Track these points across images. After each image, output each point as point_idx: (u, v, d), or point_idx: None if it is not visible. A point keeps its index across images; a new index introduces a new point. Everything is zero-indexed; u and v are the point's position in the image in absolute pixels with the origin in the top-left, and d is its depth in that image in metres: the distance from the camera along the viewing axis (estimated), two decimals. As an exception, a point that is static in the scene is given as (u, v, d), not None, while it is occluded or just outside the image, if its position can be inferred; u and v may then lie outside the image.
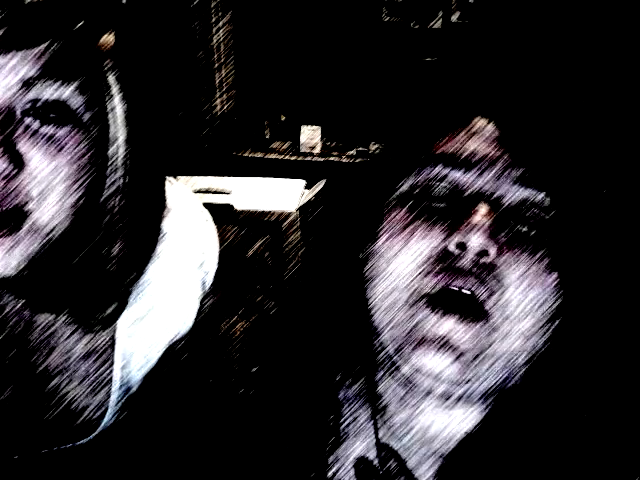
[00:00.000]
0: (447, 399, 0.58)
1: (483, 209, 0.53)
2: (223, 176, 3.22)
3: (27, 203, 0.63)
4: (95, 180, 0.68)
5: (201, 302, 0.88)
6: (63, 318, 0.78)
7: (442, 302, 0.54)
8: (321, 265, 0.67)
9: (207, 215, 0.91)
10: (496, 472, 0.56)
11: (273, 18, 4.23)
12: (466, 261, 0.53)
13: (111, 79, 0.68)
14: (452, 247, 0.53)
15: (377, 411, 0.63)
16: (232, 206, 2.79)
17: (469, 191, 0.55)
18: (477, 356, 0.54)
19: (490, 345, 0.54)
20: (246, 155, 4.20)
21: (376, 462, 0.61)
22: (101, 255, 0.72)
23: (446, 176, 0.56)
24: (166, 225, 0.81)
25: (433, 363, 0.54)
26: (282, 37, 4.24)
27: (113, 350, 0.82)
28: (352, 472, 0.61)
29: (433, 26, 4.07)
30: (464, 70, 0.61)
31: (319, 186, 3.04)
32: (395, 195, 0.59)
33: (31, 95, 0.62)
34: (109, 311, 0.77)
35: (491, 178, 0.55)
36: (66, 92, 0.63)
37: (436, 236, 0.55)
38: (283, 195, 2.94)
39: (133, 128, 0.69)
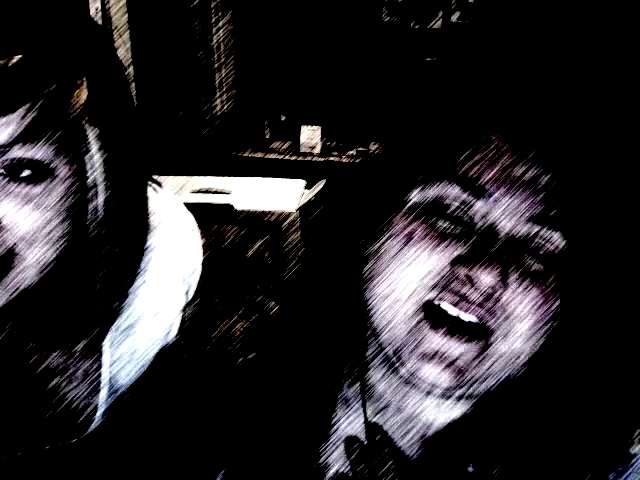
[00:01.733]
0: (447, 398, 0.59)
1: (497, 245, 0.53)
2: (223, 176, 3.22)
3: (11, 254, 0.65)
4: (76, 224, 0.69)
5: (184, 310, 0.90)
6: (53, 344, 0.80)
7: (443, 320, 0.55)
8: (321, 263, 0.67)
9: (193, 224, 0.92)
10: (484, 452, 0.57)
11: (273, 18, 4.23)
12: (472, 291, 0.53)
13: (88, 130, 0.68)
14: (461, 276, 0.53)
15: (371, 399, 0.64)
16: (232, 206, 2.80)
17: (483, 220, 0.55)
18: (474, 370, 0.55)
19: (488, 361, 0.55)
20: (246, 155, 4.20)
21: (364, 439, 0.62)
22: (87, 282, 0.74)
23: (462, 198, 0.56)
24: (152, 240, 0.82)
25: (430, 374, 0.55)
26: (282, 37, 4.24)
27: (101, 359, 0.84)
28: (342, 448, 0.63)
29: (433, 26, 4.08)
30: (470, 81, 0.60)
31: (319, 186, 3.04)
32: (406, 202, 0.59)
33: (5, 157, 0.62)
34: (96, 331, 0.79)
35: (508, 211, 0.54)
36: (40, 151, 0.63)
37: (444, 253, 0.55)
38: (283, 195, 2.94)
39: (111, 172, 0.70)
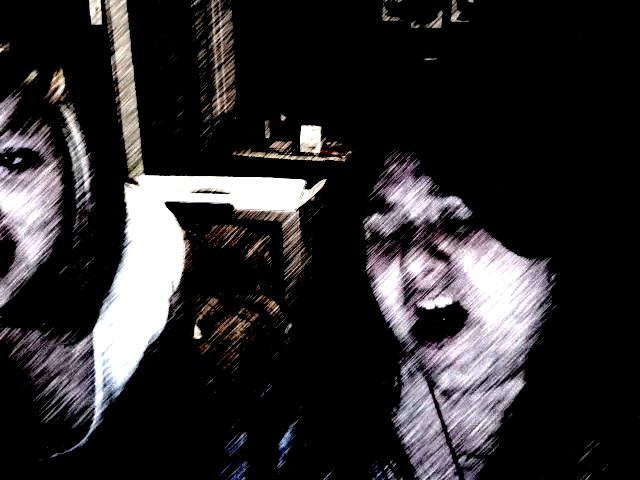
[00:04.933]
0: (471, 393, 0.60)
1: (420, 231, 0.57)
2: (223, 176, 3.22)
3: (9, 241, 0.67)
4: (66, 208, 0.71)
5: (170, 301, 0.91)
6: (45, 333, 0.81)
7: (429, 325, 0.57)
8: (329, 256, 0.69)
9: (171, 217, 0.94)
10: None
11: (273, 18, 4.23)
12: (430, 279, 0.56)
13: (68, 116, 0.71)
14: (415, 273, 0.56)
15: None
16: (232, 206, 2.79)
17: (403, 220, 0.59)
18: (485, 355, 0.56)
19: (488, 338, 0.56)
20: (246, 155, 4.20)
21: None
22: (73, 272, 0.76)
23: (379, 219, 0.60)
24: (130, 232, 0.84)
25: (442, 381, 0.57)
26: (282, 37, 4.25)
27: (92, 357, 0.85)
28: None
29: (433, 26, 4.08)
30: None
31: (319, 186, 3.04)
32: (364, 225, 0.62)
33: None
34: (84, 323, 0.81)
35: (414, 201, 0.57)
36: (26, 139, 0.66)
37: (396, 263, 0.58)
38: (283, 195, 2.94)
39: (93, 156, 0.73)
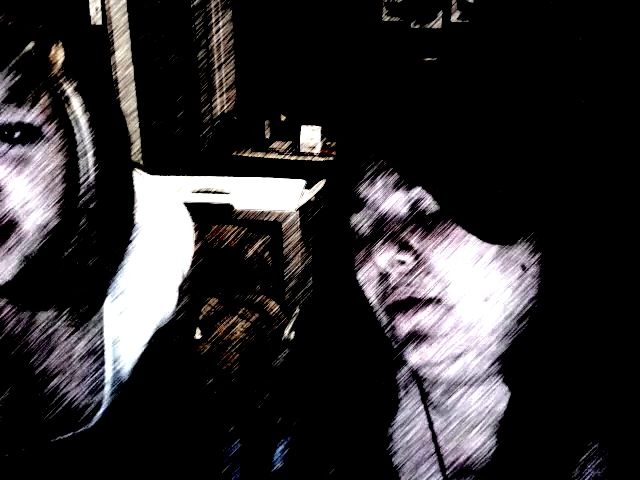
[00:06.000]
0: (457, 384, 0.60)
1: (389, 223, 0.57)
2: (223, 176, 3.22)
3: (12, 218, 0.66)
4: (69, 185, 0.70)
5: (181, 288, 0.91)
6: (53, 314, 0.80)
7: (401, 309, 0.57)
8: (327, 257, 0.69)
9: (181, 205, 0.94)
10: None
11: (273, 18, 4.23)
12: (403, 269, 0.56)
13: (68, 89, 0.69)
14: (388, 265, 0.57)
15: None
16: (232, 206, 2.79)
17: (376, 213, 0.59)
18: (453, 330, 0.56)
19: (458, 316, 0.56)
20: (246, 155, 4.20)
21: None
22: (80, 250, 0.75)
23: (360, 217, 0.61)
24: (139, 218, 0.83)
25: (420, 356, 0.57)
26: (282, 37, 4.25)
27: (102, 339, 0.84)
28: None
29: (433, 26, 4.08)
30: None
31: (319, 186, 3.04)
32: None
33: None
34: (92, 303, 0.80)
35: (381, 200, 0.58)
36: (25, 112, 0.64)
37: (372, 259, 0.58)
38: (283, 195, 2.94)
39: (96, 131, 0.72)
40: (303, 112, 4.21)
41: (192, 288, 0.93)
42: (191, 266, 0.91)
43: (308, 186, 3.03)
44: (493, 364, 0.58)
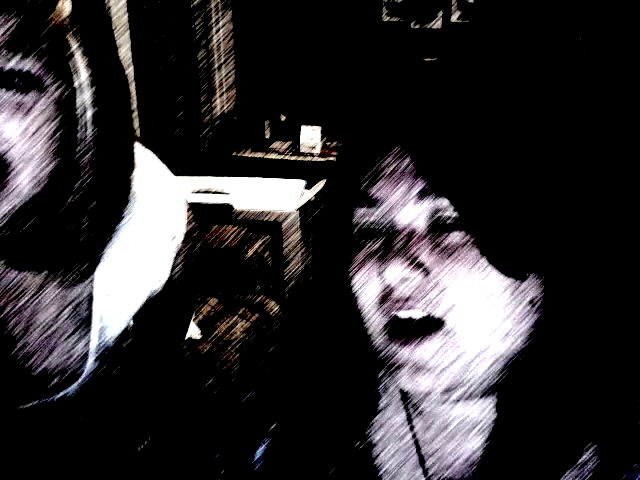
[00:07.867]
0: (444, 402, 0.59)
1: (402, 238, 0.55)
2: (223, 176, 3.22)
3: (6, 164, 0.64)
4: (66, 140, 0.68)
5: (172, 261, 0.89)
6: (42, 274, 0.79)
7: (403, 330, 0.55)
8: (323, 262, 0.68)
9: (173, 178, 0.92)
10: None
11: (273, 18, 4.23)
12: (408, 289, 0.54)
13: (72, 42, 0.68)
14: (394, 280, 0.54)
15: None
16: (232, 206, 2.79)
17: (384, 220, 0.57)
18: (451, 365, 0.55)
19: (461, 349, 0.54)
20: (246, 155, 4.20)
21: None
22: (75, 211, 0.73)
23: (362, 212, 0.58)
24: (136, 185, 0.81)
25: (410, 384, 0.55)
26: (282, 37, 4.25)
27: (90, 305, 0.83)
28: None
29: (433, 26, 4.08)
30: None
31: (319, 186, 3.04)
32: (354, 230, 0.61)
33: None
34: (84, 266, 0.78)
35: (399, 202, 0.55)
36: (27, 62, 0.63)
37: (375, 270, 0.56)
38: (283, 195, 2.94)
39: (98, 89, 0.70)
40: (303, 112, 4.21)
41: (186, 261, 0.91)
42: (185, 238, 0.89)
43: (308, 186, 3.03)
44: (485, 389, 0.57)
